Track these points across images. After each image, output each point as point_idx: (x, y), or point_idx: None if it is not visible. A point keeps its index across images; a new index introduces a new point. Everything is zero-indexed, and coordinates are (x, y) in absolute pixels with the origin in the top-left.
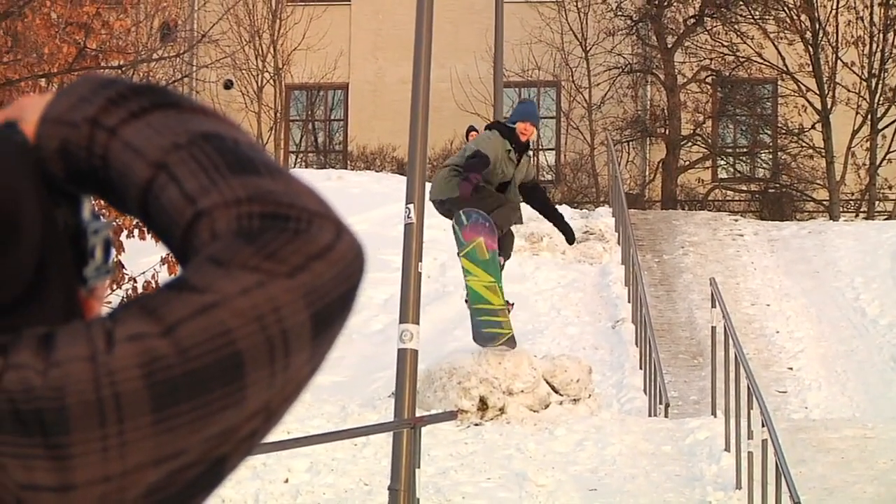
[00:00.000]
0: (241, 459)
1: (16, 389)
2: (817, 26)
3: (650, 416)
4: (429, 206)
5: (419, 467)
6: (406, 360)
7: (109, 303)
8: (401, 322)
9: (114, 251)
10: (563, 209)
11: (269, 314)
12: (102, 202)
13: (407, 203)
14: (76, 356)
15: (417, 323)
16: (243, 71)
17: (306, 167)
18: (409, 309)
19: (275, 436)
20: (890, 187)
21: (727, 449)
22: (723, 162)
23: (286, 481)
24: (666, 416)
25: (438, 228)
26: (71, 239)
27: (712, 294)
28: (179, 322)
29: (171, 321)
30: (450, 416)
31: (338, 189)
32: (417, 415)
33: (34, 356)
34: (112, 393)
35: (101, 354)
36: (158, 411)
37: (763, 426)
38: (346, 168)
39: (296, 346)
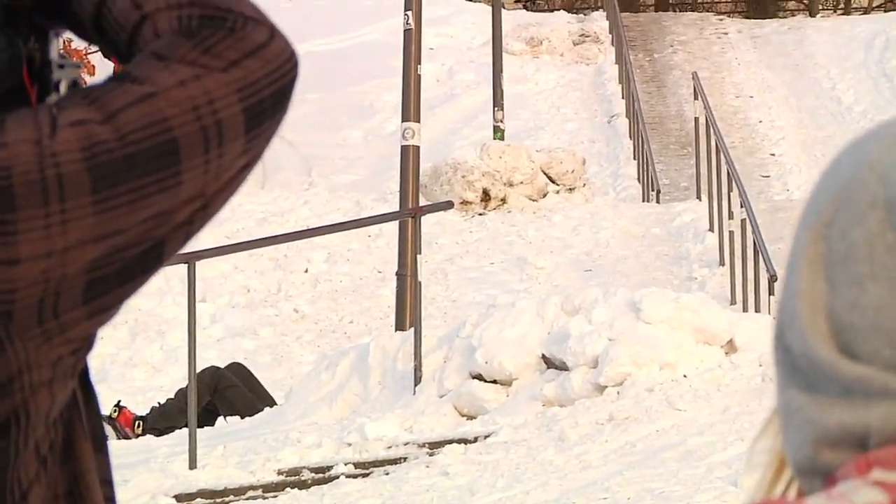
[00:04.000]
0: (180, 246)
1: None
2: None
3: (643, 202)
4: (427, 12)
5: (420, 253)
6: (409, 156)
7: None
8: (403, 121)
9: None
10: (561, 14)
11: (204, 105)
12: (68, 31)
13: (406, 10)
14: (22, 139)
15: (418, 121)
16: None
17: None
18: (411, 108)
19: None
20: None
21: (711, 229)
22: None
23: (306, 271)
24: (658, 201)
25: (446, 36)
26: (37, 72)
27: (695, 88)
28: (120, 110)
29: (112, 109)
30: (447, 205)
31: (351, 0)
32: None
33: None
34: (55, 174)
35: (45, 138)
36: (98, 192)
37: (742, 207)
38: None
39: (229, 137)
